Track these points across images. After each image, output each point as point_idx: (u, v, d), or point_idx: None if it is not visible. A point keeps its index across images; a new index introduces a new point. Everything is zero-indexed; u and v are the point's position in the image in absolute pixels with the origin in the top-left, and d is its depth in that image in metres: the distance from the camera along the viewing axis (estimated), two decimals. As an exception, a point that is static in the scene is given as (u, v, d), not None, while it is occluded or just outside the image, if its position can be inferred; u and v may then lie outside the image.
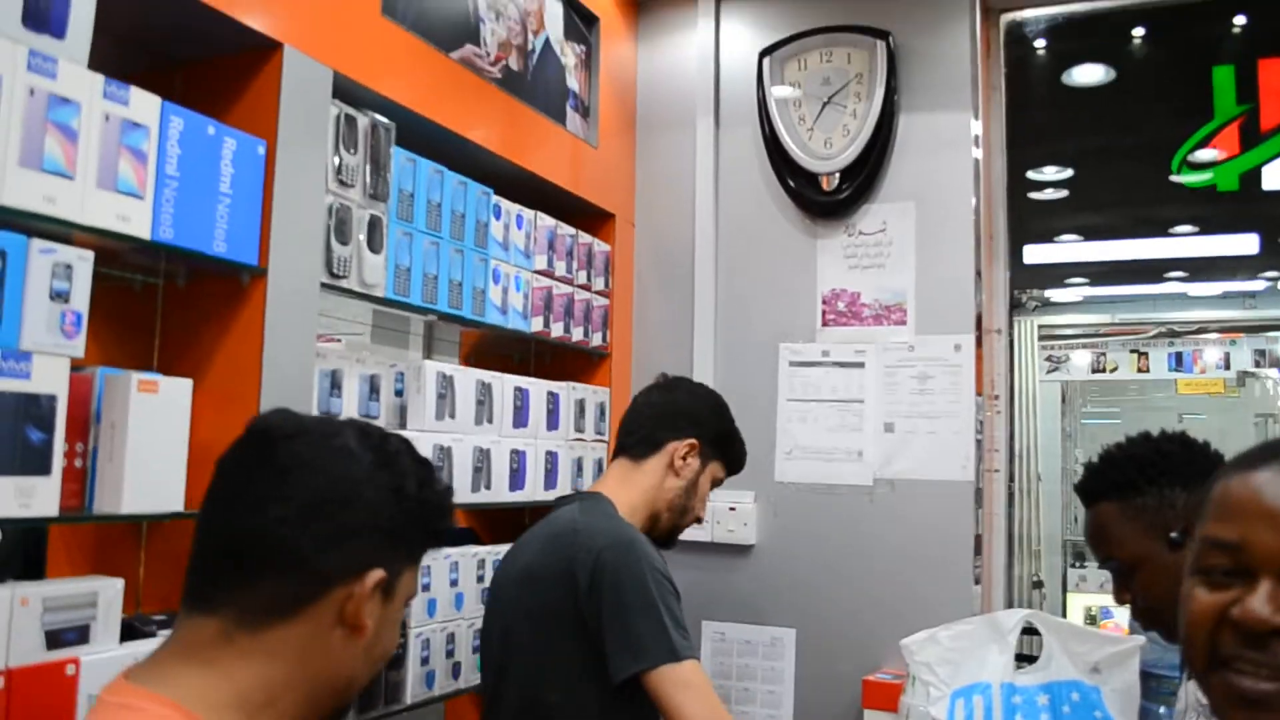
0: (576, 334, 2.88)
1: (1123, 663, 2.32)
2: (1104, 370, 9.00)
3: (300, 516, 1.11)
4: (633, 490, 2.26)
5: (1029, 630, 2.55)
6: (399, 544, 1.19)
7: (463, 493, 2.36)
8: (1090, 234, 6.50)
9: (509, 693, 2.11)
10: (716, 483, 2.39)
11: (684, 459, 2.29)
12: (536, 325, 2.69)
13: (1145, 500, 1.75)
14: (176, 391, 1.71)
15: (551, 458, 2.70)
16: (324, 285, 1.99)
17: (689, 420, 2.32)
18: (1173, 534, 1.63)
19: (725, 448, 2.38)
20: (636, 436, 2.31)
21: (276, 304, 1.86)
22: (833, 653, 2.89)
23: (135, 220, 1.62)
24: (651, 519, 2.28)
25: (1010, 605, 2.99)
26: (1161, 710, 2.30)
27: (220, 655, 1.09)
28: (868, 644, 2.83)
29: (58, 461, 1.50)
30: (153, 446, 1.65)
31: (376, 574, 1.14)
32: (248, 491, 1.12)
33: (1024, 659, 2.50)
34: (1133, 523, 1.76)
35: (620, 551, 2.02)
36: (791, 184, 3.05)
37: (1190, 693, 1.79)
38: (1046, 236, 6.51)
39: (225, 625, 1.10)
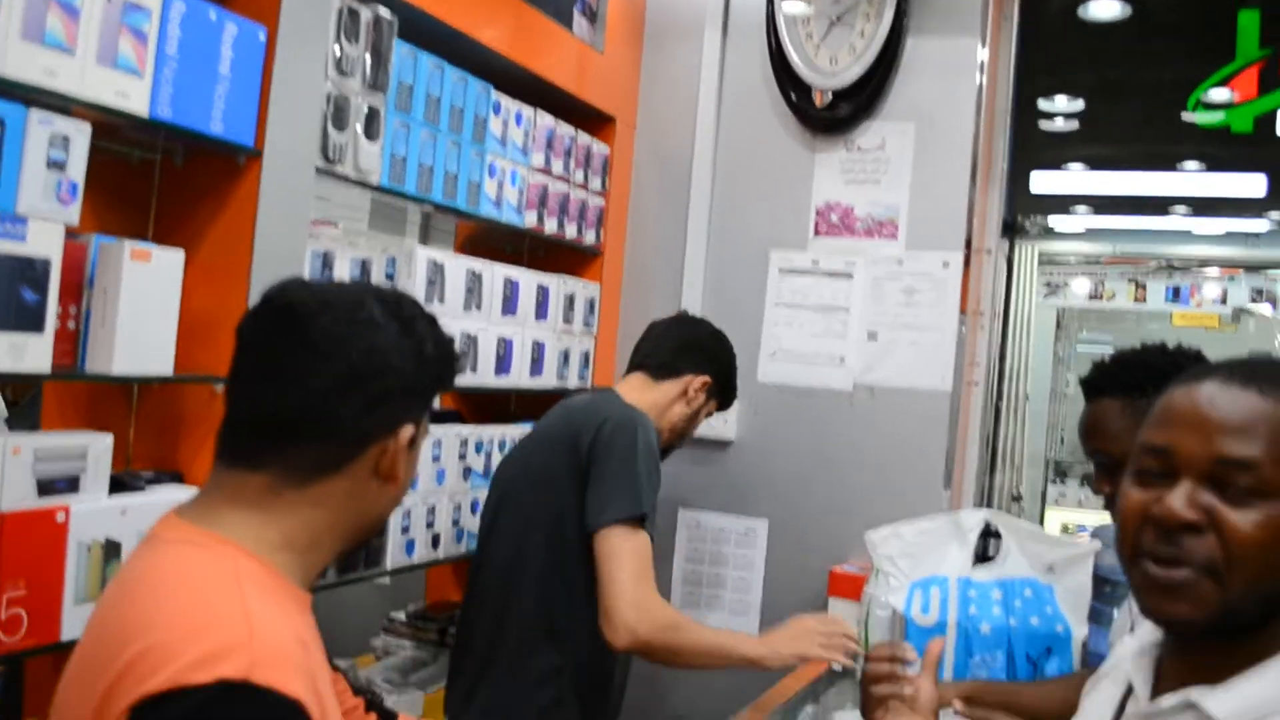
0: (570, 231, 2.92)
1: (1077, 564, 2.41)
2: (1101, 298, 9.02)
3: (339, 389, 1.19)
4: (645, 401, 2.41)
5: (990, 534, 2.65)
6: (421, 398, 1.28)
7: (449, 375, 2.42)
8: (1098, 164, 6.47)
9: (497, 546, 2.30)
10: (708, 415, 2.60)
11: (697, 391, 2.50)
12: (530, 220, 2.73)
13: (1146, 403, 1.80)
14: (169, 262, 1.77)
15: (539, 347, 2.76)
16: (319, 170, 2.04)
17: (709, 360, 2.53)
18: None
19: (726, 392, 2.60)
20: (657, 359, 2.50)
21: (271, 185, 1.91)
22: (803, 544, 3.00)
23: (134, 97, 1.66)
24: (661, 424, 2.43)
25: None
26: (1114, 612, 2.40)
27: (269, 505, 1.19)
28: (837, 537, 2.93)
29: (50, 321, 1.57)
30: (144, 313, 1.71)
31: (408, 430, 1.25)
32: (285, 367, 1.19)
33: (983, 560, 2.60)
34: (1129, 421, 1.80)
35: (622, 423, 2.23)
36: (794, 98, 3.07)
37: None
38: (1054, 165, 6.48)
39: (272, 480, 1.19)
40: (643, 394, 2.44)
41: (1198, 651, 1.11)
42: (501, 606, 2.26)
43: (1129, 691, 1.19)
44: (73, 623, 1.62)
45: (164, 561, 1.14)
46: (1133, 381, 1.82)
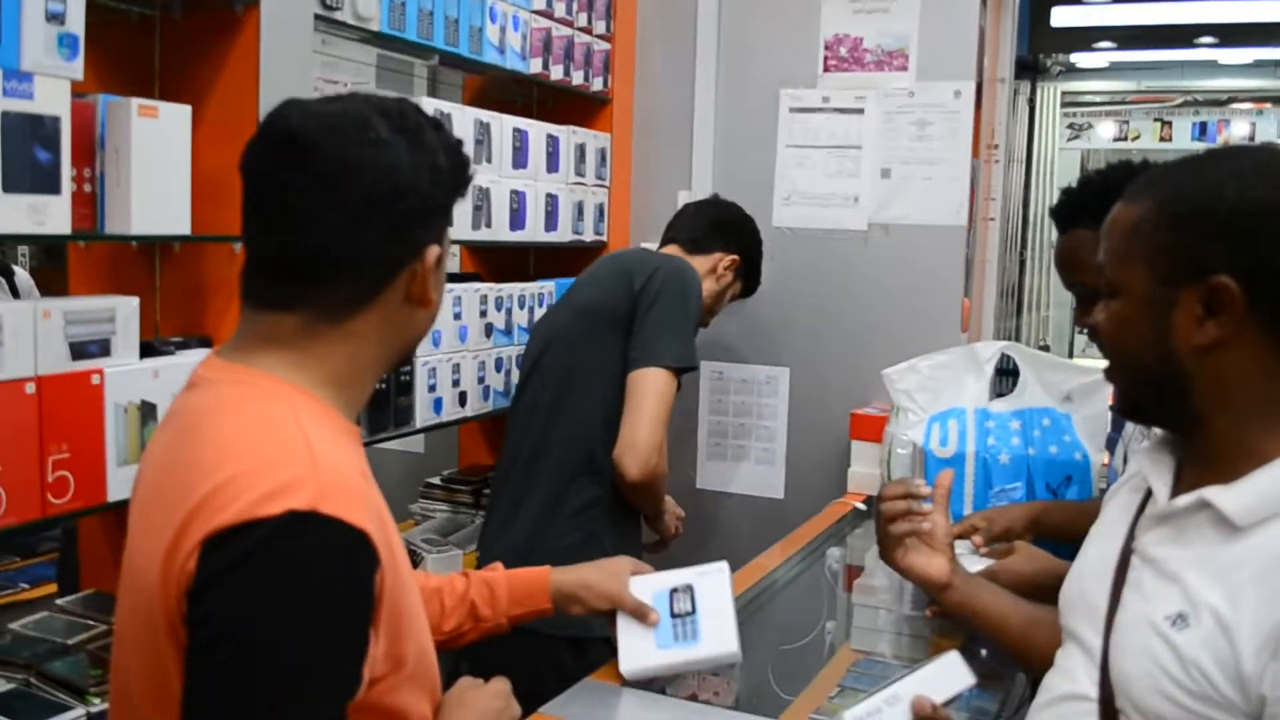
0: (577, 78, 2.89)
1: (1094, 392, 2.42)
2: (1126, 139, 8.87)
3: (359, 219, 1.14)
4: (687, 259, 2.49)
5: (1008, 372, 2.66)
6: (441, 213, 1.23)
7: (463, 229, 2.44)
8: (1120, -5, 6.30)
9: (539, 384, 2.38)
10: (731, 298, 2.66)
11: (726, 269, 2.58)
12: (535, 67, 2.70)
13: None
14: (176, 117, 1.76)
15: (552, 200, 2.76)
16: (318, 17, 2.01)
17: (738, 239, 2.61)
18: None
19: (752, 276, 2.67)
20: (689, 235, 2.58)
21: (270, 34, 1.89)
22: (824, 389, 3.03)
23: (128, -60, 1.64)
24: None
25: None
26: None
27: (309, 343, 1.17)
28: (857, 381, 2.96)
29: (66, 183, 1.57)
30: (157, 171, 1.71)
31: (434, 250, 1.21)
32: (299, 205, 1.13)
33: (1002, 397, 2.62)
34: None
35: (676, 271, 2.32)
36: (799, -79, 2.99)
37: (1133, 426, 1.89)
38: (1076, -1, 6.31)
39: (307, 320, 1.16)
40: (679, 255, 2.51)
41: (1200, 454, 1.15)
42: (541, 442, 2.32)
43: (1148, 496, 1.21)
44: (117, 484, 1.67)
45: (222, 401, 1.14)
46: (1100, 208, 1.79)
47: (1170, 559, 1.12)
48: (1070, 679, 1.21)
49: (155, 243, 1.93)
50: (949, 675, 1.35)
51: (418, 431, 2.42)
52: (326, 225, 1.13)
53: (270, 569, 1.00)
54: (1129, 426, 1.92)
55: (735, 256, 2.59)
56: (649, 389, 2.19)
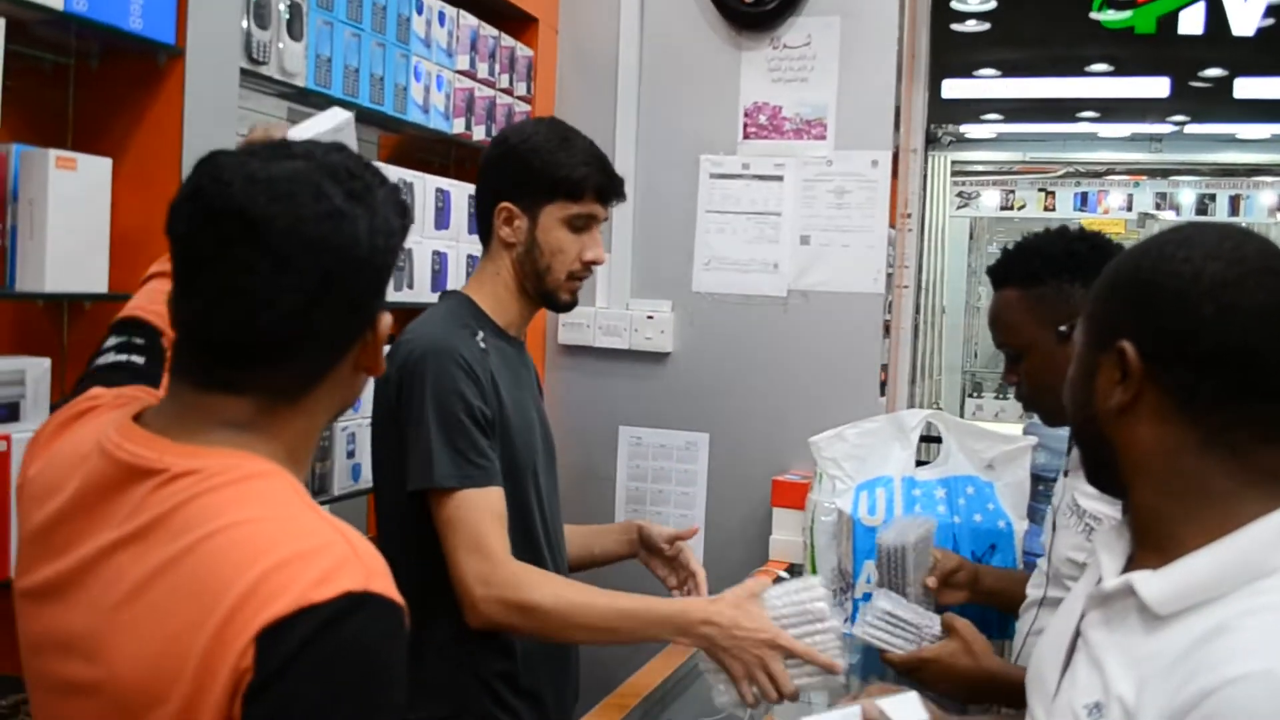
0: (495, 141, 2.86)
1: (1015, 460, 2.45)
2: (1012, 208, 9.18)
3: (315, 301, 1.05)
4: (484, 283, 1.96)
5: (930, 439, 2.68)
6: (389, 275, 1.15)
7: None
8: (1009, 70, 6.54)
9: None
10: (576, 220, 1.92)
11: (508, 225, 1.91)
12: (458, 127, 2.66)
13: (1044, 291, 1.80)
14: (96, 170, 1.69)
15: (473, 261, 2.71)
16: (244, 71, 1.95)
17: (488, 184, 1.96)
18: (1061, 327, 1.71)
19: (544, 182, 1.89)
20: (479, 225, 2.00)
21: (195, 86, 1.83)
22: (744, 455, 3.02)
23: (49, -11, 1.57)
24: (519, 295, 1.96)
25: (913, 414, 3.13)
26: (1048, 509, 2.46)
27: (264, 424, 1.08)
28: (778, 447, 2.95)
29: (-26, 236, 1.49)
30: (74, 226, 1.64)
31: (386, 318, 1.15)
32: (254, 288, 1.03)
33: (924, 464, 2.64)
34: (1029, 311, 1.81)
35: (414, 364, 1.79)
36: (717, -9, 3.02)
37: (1065, 488, 1.91)
38: (966, 71, 6.54)
39: (260, 402, 1.08)
40: (480, 276, 1.98)
41: (1140, 532, 1.13)
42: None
43: None
44: (23, 556, 1.55)
45: (219, 490, 1.03)
46: (1029, 271, 1.82)
47: (1099, 643, 1.09)
48: None
49: (66, 300, 1.83)
50: (907, 709, 1.35)
51: (336, 500, 2.33)
52: (284, 309, 1.04)
53: (336, 653, 0.96)
54: (1057, 496, 1.94)
55: (503, 203, 1.90)
56: (443, 518, 1.77)
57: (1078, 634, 1.15)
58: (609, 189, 1.94)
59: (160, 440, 1.06)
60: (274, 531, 1.00)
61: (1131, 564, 1.12)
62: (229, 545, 0.99)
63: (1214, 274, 1.03)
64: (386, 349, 1.29)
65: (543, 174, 1.88)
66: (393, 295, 2.37)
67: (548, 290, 1.94)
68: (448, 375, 1.76)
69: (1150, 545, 1.09)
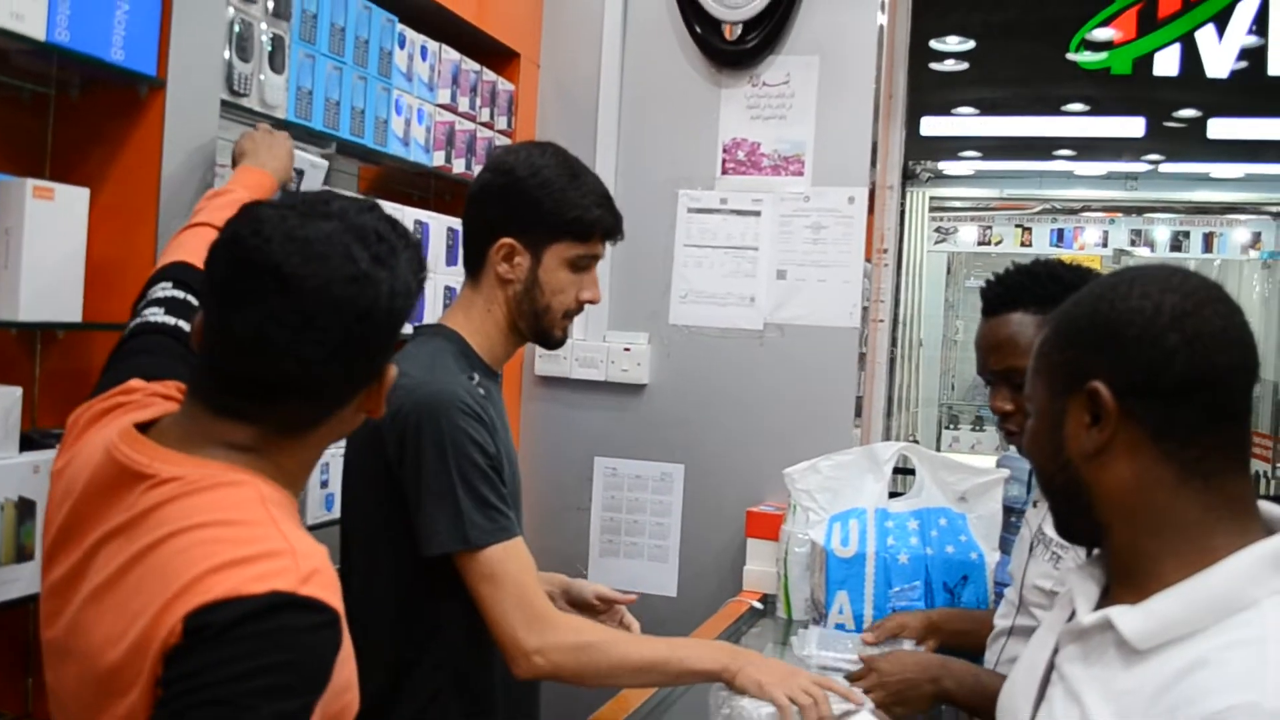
0: (478, 171, 2.87)
1: (987, 492, 2.48)
2: (989, 243, 9.26)
3: (335, 355, 1.16)
4: (472, 318, 1.87)
5: (904, 470, 2.70)
6: (401, 329, 1.25)
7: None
8: (986, 108, 6.61)
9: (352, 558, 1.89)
10: (580, 261, 1.85)
11: (507, 262, 1.82)
12: (438, 160, 2.68)
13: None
14: (73, 200, 1.69)
15: (450, 293, 2.72)
16: (225, 103, 1.96)
17: (486, 216, 1.85)
18: None
19: (554, 222, 1.82)
20: (465, 255, 1.91)
21: (175, 118, 1.83)
22: (719, 487, 3.03)
23: (30, 19, 1.57)
24: (509, 332, 1.89)
25: (888, 448, 3.14)
26: (1017, 539, 2.48)
27: (265, 450, 1.19)
28: (752, 478, 2.96)
29: (-51, 265, 1.49)
30: (50, 255, 1.64)
31: (393, 370, 1.26)
32: (277, 337, 1.13)
33: (897, 495, 2.66)
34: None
35: (416, 415, 1.69)
36: (699, 31, 3.06)
37: (1032, 519, 1.93)
38: (944, 109, 6.61)
39: (265, 432, 1.19)
40: (468, 310, 1.88)
41: (1114, 570, 1.14)
42: None
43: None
44: (-12, 587, 1.54)
45: (196, 497, 1.14)
46: (1047, 294, 1.77)
47: (1076, 677, 1.10)
48: None
49: (39, 329, 1.83)
50: None
51: (310, 529, 2.32)
52: (305, 359, 1.14)
53: (256, 637, 1.04)
54: (1028, 525, 1.95)
55: (504, 240, 1.81)
56: (481, 576, 1.71)
57: (1051, 667, 1.16)
58: (615, 229, 1.90)
59: (160, 450, 1.17)
60: (227, 535, 1.10)
61: (1107, 598, 1.13)
62: (186, 545, 1.09)
63: (1173, 306, 1.06)
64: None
65: (554, 214, 1.81)
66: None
67: (543, 329, 1.88)
68: (459, 428, 1.69)
69: (1127, 581, 1.10)
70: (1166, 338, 1.05)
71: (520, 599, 1.67)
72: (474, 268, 1.88)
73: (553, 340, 1.92)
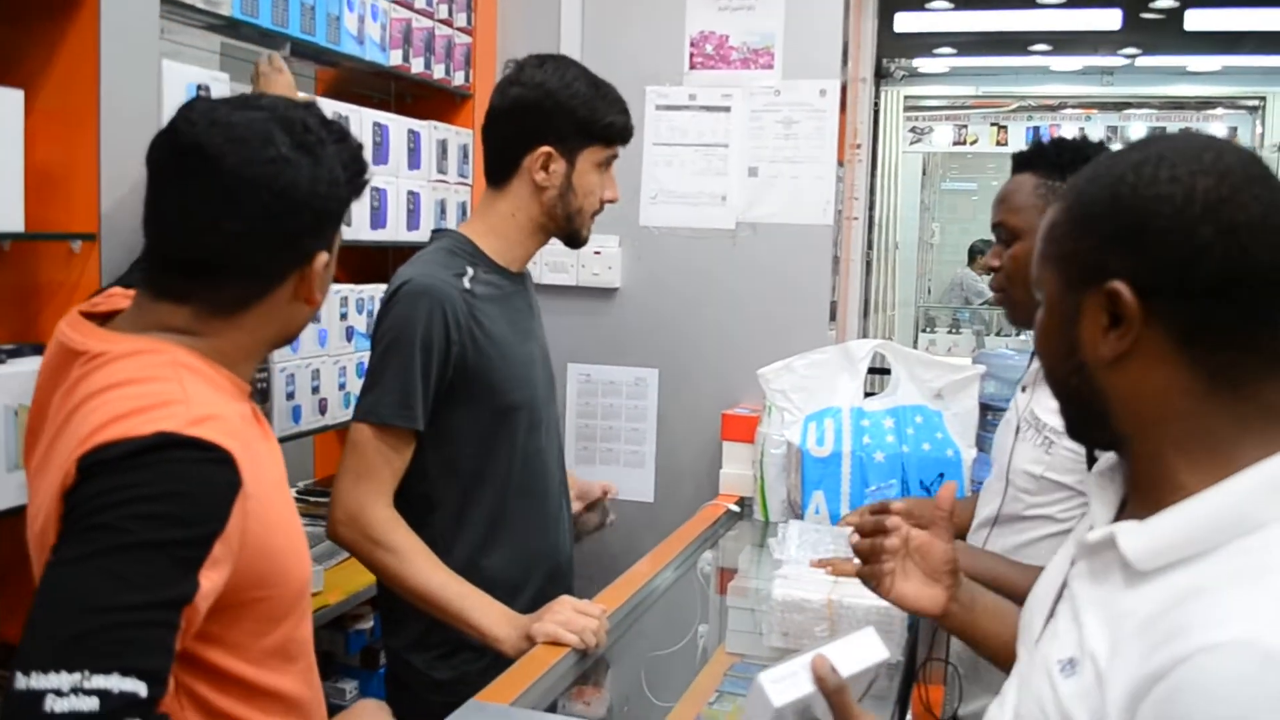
0: (438, 71, 2.78)
1: (964, 389, 2.45)
2: (965, 143, 9.18)
3: (254, 231, 1.25)
4: (490, 220, 2.04)
5: (879, 370, 2.67)
6: (333, 220, 1.34)
7: (322, 228, 2.31)
8: (961, 3, 6.50)
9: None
10: (605, 162, 2.05)
11: (545, 169, 1.98)
12: (395, 59, 2.59)
13: (1057, 184, 1.79)
14: (7, 101, 1.61)
15: (414, 198, 2.65)
16: (165, 1, 1.87)
17: (536, 122, 1.98)
18: None
19: (588, 129, 2.00)
20: (487, 166, 2.06)
21: (112, 15, 1.74)
22: (694, 390, 3.00)
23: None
24: (534, 234, 2.05)
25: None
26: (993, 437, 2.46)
27: (199, 330, 1.28)
28: (727, 381, 2.94)
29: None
30: (-16, 161, 1.57)
31: (323, 256, 1.32)
32: (199, 211, 1.24)
33: (872, 395, 2.63)
34: (1034, 197, 1.81)
35: (389, 300, 1.91)
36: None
37: (1021, 401, 1.90)
38: (918, 4, 6.49)
39: (199, 312, 1.28)
40: (485, 215, 2.05)
41: (1132, 480, 1.05)
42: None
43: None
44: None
45: (114, 371, 1.21)
46: (1057, 161, 1.81)
47: (1081, 596, 1.03)
48: (1000, 708, 1.12)
49: (-18, 240, 1.76)
50: (863, 649, 1.31)
51: (281, 441, 2.28)
52: (223, 233, 1.24)
53: (133, 468, 1.10)
54: (1015, 410, 1.92)
55: (543, 149, 1.97)
56: (349, 440, 1.92)
57: (1064, 584, 1.09)
58: (630, 132, 2.10)
59: (97, 330, 1.27)
60: (130, 393, 1.17)
61: (1123, 512, 1.06)
62: (97, 405, 1.17)
63: (1206, 191, 0.94)
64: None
65: (588, 122, 2.00)
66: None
67: (574, 229, 2.06)
68: (403, 315, 1.87)
69: (1146, 494, 1.01)
70: (1199, 230, 0.93)
71: (359, 474, 1.88)
72: (501, 177, 2.03)
73: (580, 239, 2.09)
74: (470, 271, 1.96)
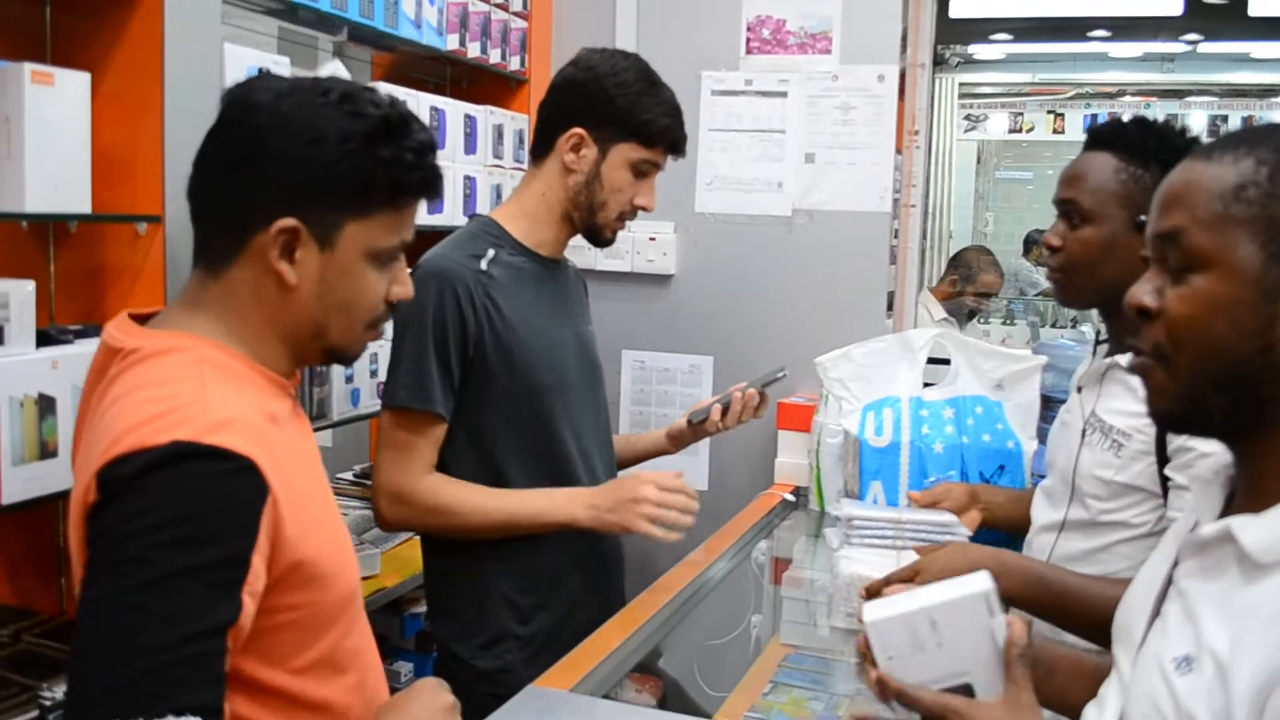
0: (494, 56, 2.78)
1: (1025, 379, 2.41)
2: (1020, 130, 9.05)
3: (221, 170, 1.24)
4: (523, 201, 2.03)
5: (938, 361, 2.63)
6: (321, 193, 1.21)
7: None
8: (1018, -13, 6.42)
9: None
10: (641, 165, 1.98)
11: (575, 152, 1.95)
12: (452, 43, 2.59)
13: (1138, 171, 1.72)
14: (74, 85, 1.63)
15: (470, 182, 2.65)
16: (227, -13, 1.89)
17: (563, 104, 1.97)
18: (1141, 217, 1.61)
19: (625, 122, 1.94)
20: (534, 141, 2.05)
21: (176, 2, 1.76)
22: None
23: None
24: (561, 219, 2.02)
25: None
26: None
27: (200, 298, 1.26)
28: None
29: (-51, 155, 1.44)
30: (53, 143, 1.59)
31: (283, 222, 1.21)
32: (200, 160, 1.27)
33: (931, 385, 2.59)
34: (1115, 181, 1.73)
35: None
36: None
37: (1084, 403, 1.85)
38: (975, -12, 6.42)
39: (202, 274, 1.27)
40: (519, 197, 2.05)
41: (1247, 473, 1.02)
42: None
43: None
44: (15, 484, 1.52)
45: (138, 373, 1.18)
46: (1137, 143, 1.72)
47: (1193, 593, 1.00)
48: (1100, 710, 1.10)
49: (50, 222, 1.78)
50: (963, 582, 1.21)
51: (334, 425, 2.31)
52: (204, 170, 1.26)
53: (152, 489, 1.06)
54: (1074, 413, 1.88)
55: (575, 130, 1.94)
56: (382, 427, 1.94)
57: (1169, 583, 1.06)
58: (681, 144, 2.01)
59: (135, 327, 1.25)
60: (150, 396, 1.14)
61: (1230, 508, 1.03)
62: (119, 411, 1.14)
63: None
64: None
65: (626, 113, 1.94)
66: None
67: (596, 225, 2.01)
68: (422, 302, 1.84)
69: (1267, 487, 0.98)
70: None
71: (392, 460, 1.90)
72: (538, 153, 2.01)
73: (601, 239, 2.04)
74: (491, 253, 1.94)
